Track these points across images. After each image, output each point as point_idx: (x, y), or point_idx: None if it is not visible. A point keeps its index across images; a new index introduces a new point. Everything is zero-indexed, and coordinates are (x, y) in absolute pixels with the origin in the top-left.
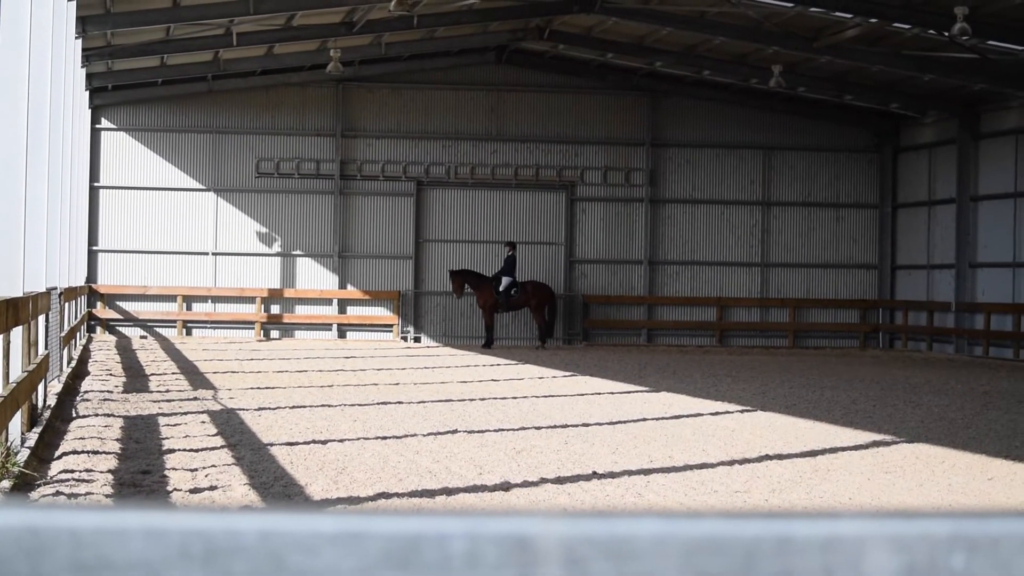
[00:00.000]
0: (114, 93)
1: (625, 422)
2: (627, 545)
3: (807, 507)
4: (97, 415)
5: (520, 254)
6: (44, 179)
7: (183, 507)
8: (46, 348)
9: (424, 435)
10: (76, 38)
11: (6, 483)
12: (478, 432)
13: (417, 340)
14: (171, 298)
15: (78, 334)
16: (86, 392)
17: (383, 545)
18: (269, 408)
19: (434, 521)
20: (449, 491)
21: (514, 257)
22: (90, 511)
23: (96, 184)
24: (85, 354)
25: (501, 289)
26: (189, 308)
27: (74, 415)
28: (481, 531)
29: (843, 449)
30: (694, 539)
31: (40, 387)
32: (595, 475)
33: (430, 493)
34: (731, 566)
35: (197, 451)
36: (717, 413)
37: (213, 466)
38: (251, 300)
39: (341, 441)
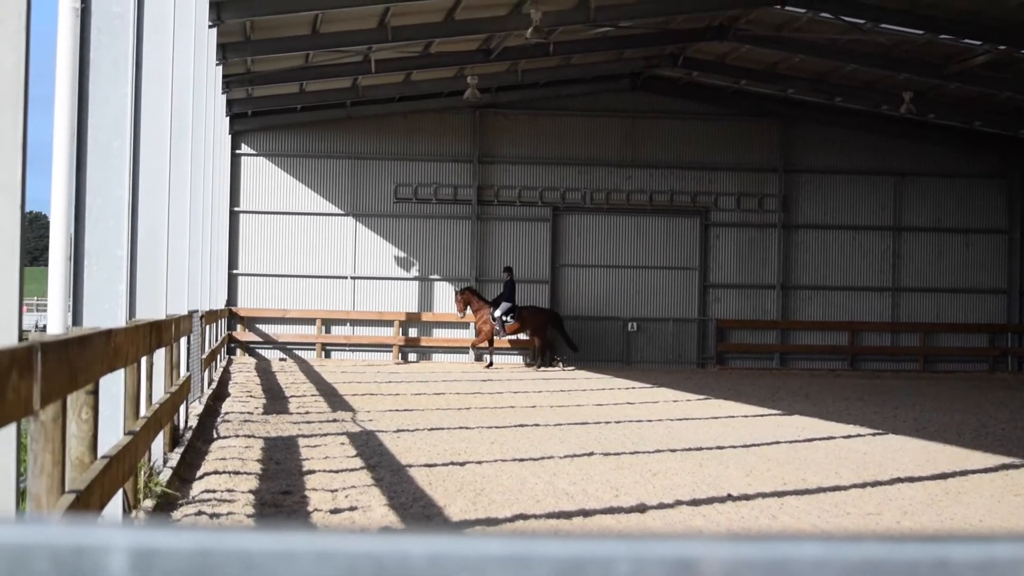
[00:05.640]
0: (254, 119)
1: (758, 445)
2: (788, 568)
3: (964, 530)
4: (238, 436)
5: (655, 279)
6: (186, 204)
7: (352, 530)
8: (188, 370)
9: (561, 457)
10: (217, 65)
11: (149, 502)
12: (614, 454)
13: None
14: (310, 321)
15: (219, 356)
16: (227, 413)
17: (550, 567)
18: (407, 430)
19: (600, 544)
20: (586, 512)
21: (512, 282)
22: (260, 533)
23: (236, 208)
24: (225, 376)
25: (498, 314)
26: (328, 331)
27: (215, 436)
28: (646, 553)
29: (973, 472)
30: (853, 562)
31: (182, 408)
32: (730, 497)
33: (567, 515)
34: None
35: (337, 472)
36: (849, 436)
37: (353, 487)
38: (389, 323)
39: (479, 463)
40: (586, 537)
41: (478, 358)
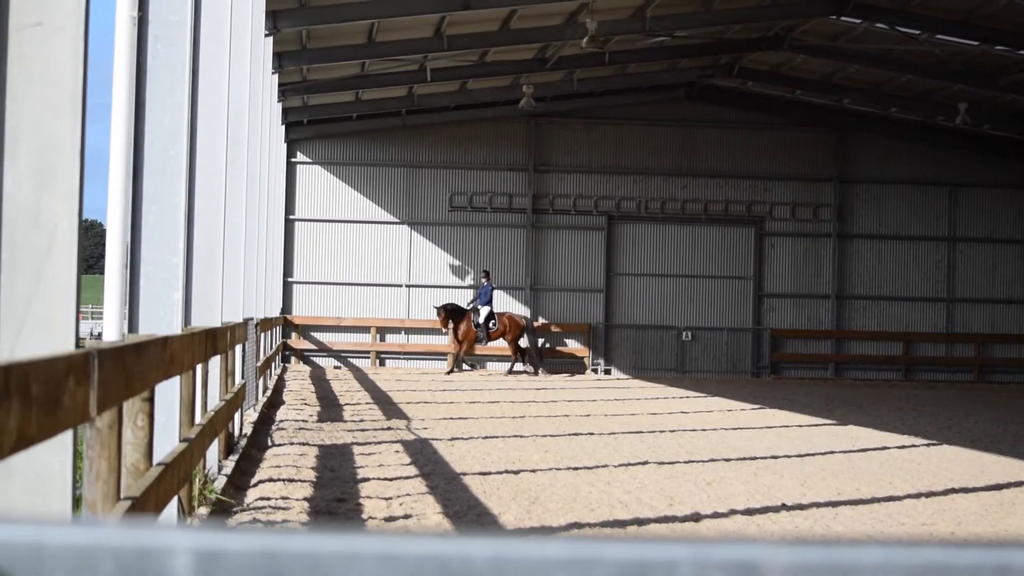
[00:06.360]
0: (309, 127)
1: (813, 455)
2: (850, 572)
3: None
4: (292, 444)
5: (709, 288)
6: (242, 212)
7: (416, 533)
8: (242, 377)
9: (615, 466)
10: (273, 73)
11: (204, 509)
12: (668, 463)
13: (607, 372)
14: (365, 329)
15: (273, 364)
16: (281, 421)
17: (613, 570)
18: (462, 438)
19: (662, 547)
20: (640, 521)
21: (491, 287)
22: (325, 535)
23: (291, 217)
24: (280, 384)
25: (481, 321)
26: (383, 339)
27: (269, 444)
28: (708, 557)
29: None
30: (914, 566)
31: (236, 416)
32: (784, 507)
33: (621, 523)
34: None
35: (391, 480)
36: (903, 447)
37: (407, 495)
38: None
39: (533, 471)
40: (648, 540)
41: (458, 367)
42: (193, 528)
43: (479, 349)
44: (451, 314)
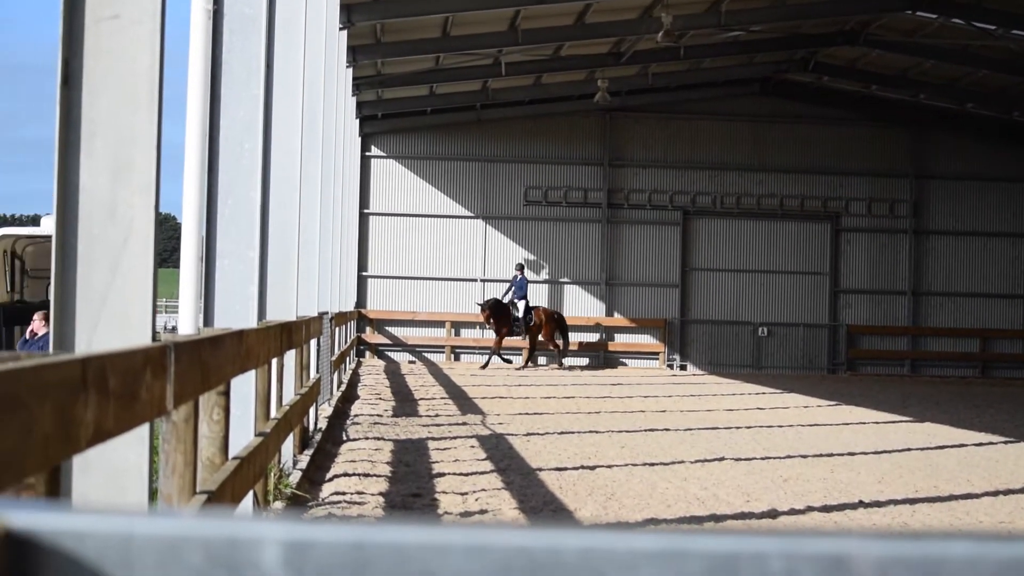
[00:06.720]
0: (383, 121)
1: (890, 452)
2: (941, 566)
3: None
4: (367, 438)
5: (785, 284)
6: (317, 206)
7: (505, 524)
8: (317, 372)
9: (691, 462)
10: (347, 67)
11: (279, 504)
12: (745, 460)
13: (683, 368)
14: (439, 324)
15: (348, 358)
16: (356, 416)
17: (703, 563)
18: (537, 434)
19: (752, 540)
20: (717, 518)
21: (525, 279)
22: (413, 527)
23: (366, 211)
24: (355, 378)
25: (520, 315)
26: (457, 334)
27: (344, 438)
28: (798, 550)
29: None
30: (1007, 560)
31: (311, 410)
32: (861, 504)
33: (698, 520)
34: None
35: (467, 475)
36: (981, 444)
37: (483, 490)
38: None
39: (609, 467)
40: (738, 533)
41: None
42: (281, 519)
43: (508, 342)
44: (493, 310)
